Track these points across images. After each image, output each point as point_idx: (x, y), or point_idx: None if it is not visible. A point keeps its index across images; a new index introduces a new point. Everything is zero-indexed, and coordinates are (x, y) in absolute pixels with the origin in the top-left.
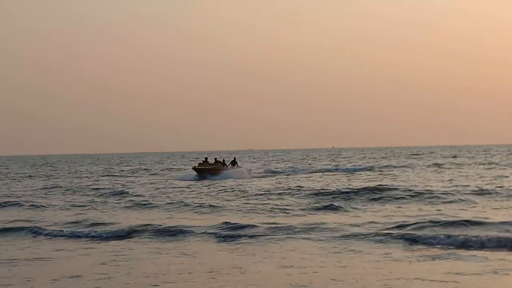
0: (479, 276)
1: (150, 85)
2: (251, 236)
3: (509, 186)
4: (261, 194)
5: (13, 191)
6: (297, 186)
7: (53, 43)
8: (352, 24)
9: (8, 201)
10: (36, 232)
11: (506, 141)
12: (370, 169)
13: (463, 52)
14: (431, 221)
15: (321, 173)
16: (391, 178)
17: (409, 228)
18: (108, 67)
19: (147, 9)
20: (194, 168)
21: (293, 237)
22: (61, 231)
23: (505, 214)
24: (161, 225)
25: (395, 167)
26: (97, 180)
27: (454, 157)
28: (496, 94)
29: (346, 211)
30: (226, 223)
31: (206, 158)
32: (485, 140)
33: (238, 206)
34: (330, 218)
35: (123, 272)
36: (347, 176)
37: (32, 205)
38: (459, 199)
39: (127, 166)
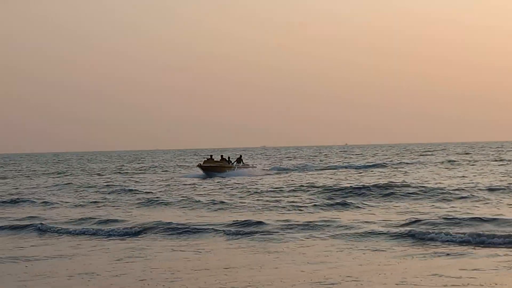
0: (494, 272)
1: (162, 80)
2: (265, 233)
3: None
4: (270, 191)
5: (25, 188)
6: (308, 183)
7: (67, 34)
8: (365, 16)
9: (21, 198)
10: (45, 230)
11: None
12: (383, 165)
13: (480, 44)
14: (444, 218)
15: (333, 170)
16: (404, 175)
17: (422, 225)
18: (122, 60)
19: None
20: (200, 166)
21: (307, 234)
22: (74, 228)
23: None
24: (174, 223)
25: (408, 163)
26: (109, 178)
27: (467, 153)
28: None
29: (358, 207)
30: (238, 220)
31: (211, 156)
32: (498, 137)
33: (250, 203)
34: (343, 215)
35: (138, 269)
36: (359, 173)
37: (44, 202)
38: (472, 195)
39: (139, 163)
